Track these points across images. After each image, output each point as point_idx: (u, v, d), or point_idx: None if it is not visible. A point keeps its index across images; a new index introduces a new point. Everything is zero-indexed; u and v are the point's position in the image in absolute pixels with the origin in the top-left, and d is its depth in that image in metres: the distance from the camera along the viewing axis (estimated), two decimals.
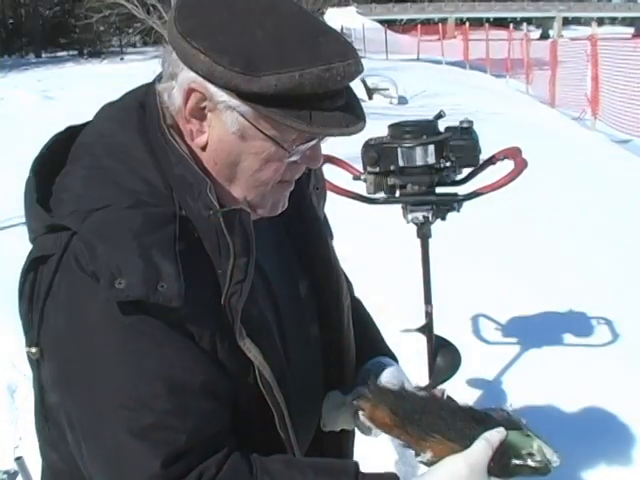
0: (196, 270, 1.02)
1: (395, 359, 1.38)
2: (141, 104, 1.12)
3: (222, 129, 1.04)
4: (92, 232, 0.99)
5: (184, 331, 1.02)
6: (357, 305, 1.44)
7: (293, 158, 1.07)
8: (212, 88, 1.01)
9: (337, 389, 1.31)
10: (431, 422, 1.10)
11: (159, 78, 1.10)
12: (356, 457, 1.41)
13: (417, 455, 1.12)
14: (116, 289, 0.96)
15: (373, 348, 1.39)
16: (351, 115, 1.03)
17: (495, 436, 1.07)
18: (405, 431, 1.12)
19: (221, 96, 1.01)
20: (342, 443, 1.37)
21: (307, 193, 1.29)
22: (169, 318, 1.00)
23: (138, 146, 1.08)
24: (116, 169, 1.06)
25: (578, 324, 4.03)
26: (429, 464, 1.09)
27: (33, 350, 1.05)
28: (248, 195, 1.10)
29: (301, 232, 1.27)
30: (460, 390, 3.02)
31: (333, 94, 1.01)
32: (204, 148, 1.07)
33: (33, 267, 1.05)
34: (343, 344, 1.32)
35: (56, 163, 1.11)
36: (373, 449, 2.38)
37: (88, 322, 1.00)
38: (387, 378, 1.28)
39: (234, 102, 1.01)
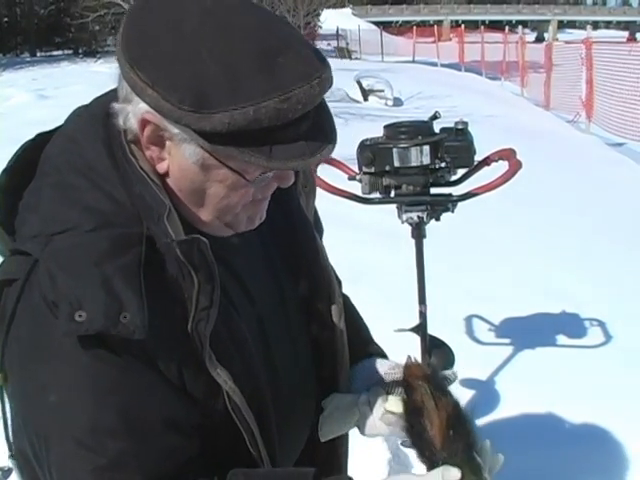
0: (162, 295, 0.98)
1: (386, 357, 1.35)
2: (107, 113, 1.03)
3: (182, 159, 0.98)
4: (53, 260, 0.95)
5: (147, 362, 0.97)
6: (345, 301, 1.38)
7: (258, 185, 1.01)
8: (165, 121, 0.94)
9: (333, 392, 1.27)
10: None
11: (116, 94, 1.02)
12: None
13: (428, 455, 1.10)
14: (76, 322, 0.91)
15: (363, 348, 1.36)
16: (316, 141, 0.95)
17: (452, 476, 1.05)
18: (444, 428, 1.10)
19: (175, 128, 0.94)
20: (337, 448, 1.33)
21: (295, 195, 1.23)
22: (132, 350, 0.95)
23: (103, 161, 1.01)
24: (81, 186, 1.00)
25: (572, 325, 4.04)
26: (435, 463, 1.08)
27: None
28: (222, 219, 1.05)
29: (288, 236, 1.23)
30: (453, 390, 3.03)
31: (296, 121, 0.92)
32: (166, 175, 1.01)
33: (0, 288, 1.00)
34: (337, 346, 1.27)
35: (24, 175, 1.05)
36: (366, 450, 2.39)
37: (47, 356, 0.96)
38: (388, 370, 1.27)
39: (189, 134, 0.94)
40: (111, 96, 1.04)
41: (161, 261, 0.99)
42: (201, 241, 0.98)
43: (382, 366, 1.28)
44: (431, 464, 1.08)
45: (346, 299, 1.41)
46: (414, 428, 1.12)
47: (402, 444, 1.21)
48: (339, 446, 1.34)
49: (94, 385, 0.95)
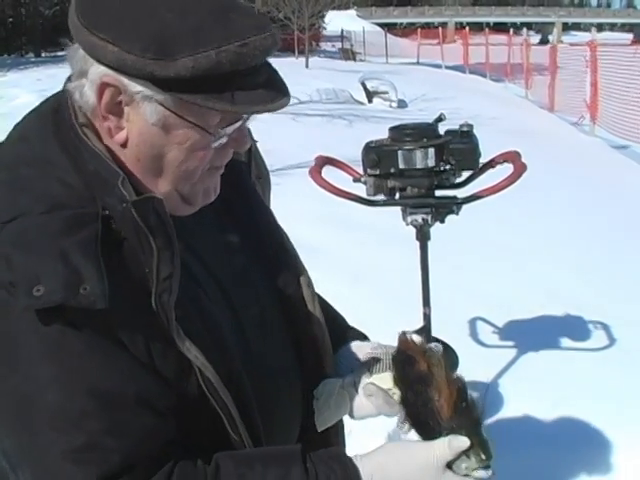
0: (122, 272, 0.97)
1: (367, 339, 1.34)
2: (55, 108, 1.06)
3: (141, 122, 0.99)
4: (6, 243, 0.94)
5: (113, 338, 0.96)
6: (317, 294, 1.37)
7: (219, 142, 1.03)
8: (125, 80, 0.96)
9: (320, 378, 1.25)
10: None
11: (69, 78, 1.06)
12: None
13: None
14: (34, 297, 0.90)
15: (343, 333, 1.34)
16: (274, 91, 0.99)
17: (460, 444, 1.05)
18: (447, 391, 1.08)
19: (136, 87, 0.96)
20: (331, 437, 1.30)
21: (250, 181, 1.27)
22: (95, 324, 0.94)
23: (55, 151, 1.02)
24: (33, 176, 1.01)
25: (576, 328, 4.04)
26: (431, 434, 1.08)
27: None
28: (178, 187, 1.05)
29: (248, 219, 1.24)
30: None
31: (253, 71, 0.97)
32: (125, 145, 1.02)
33: None
34: (315, 331, 1.25)
35: None
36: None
37: (7, 337, 0.94)
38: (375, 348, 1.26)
39: (151, 90, 0.96)
40: (58, 95, 1.08)
41: (119, 239, 0.98)
42: (156, 199, 0.99)
43: (365, 347, 1.28)
44: (432, 435, 1.07)
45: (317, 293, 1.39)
46: (418, 397, 1.11)
47: (399, 426, 1.18)
48: (334, 435, 1.31)
49: (59, 363, 0.93)
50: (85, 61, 0.99)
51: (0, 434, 0.97)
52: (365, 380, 1.21)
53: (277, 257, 1.25)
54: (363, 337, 1.35)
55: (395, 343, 1.21)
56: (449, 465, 1.05)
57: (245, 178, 1.25)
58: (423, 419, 1.09)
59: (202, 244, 1.14)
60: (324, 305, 1.35)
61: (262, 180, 1.31)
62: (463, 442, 1.04)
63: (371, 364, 1.23)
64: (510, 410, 3.26)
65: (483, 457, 1.05)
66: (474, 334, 4.03)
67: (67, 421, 0.93)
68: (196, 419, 1.03)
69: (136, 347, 0.98)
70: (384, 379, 1.19)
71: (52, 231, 0.94)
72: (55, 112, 1.06)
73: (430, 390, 1.09)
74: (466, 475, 1.05)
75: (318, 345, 1.26)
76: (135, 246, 0.99)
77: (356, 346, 1.29)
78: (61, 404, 0.93)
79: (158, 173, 1.04)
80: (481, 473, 1.05)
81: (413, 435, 1.13)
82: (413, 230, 2.76)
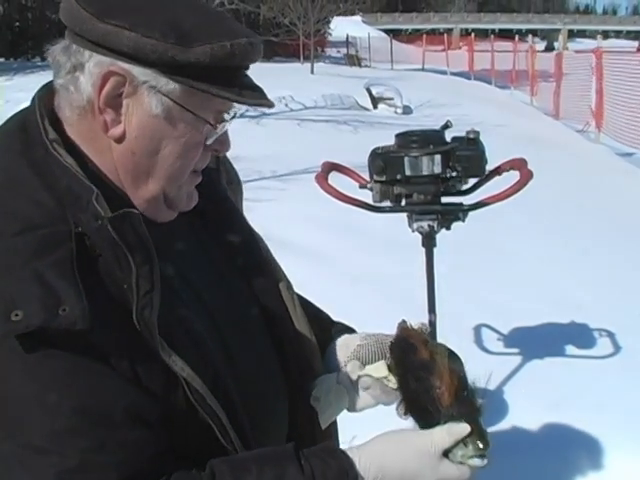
0: (100, 290, 0.96)
1: (354, 331, 1.34)
2: (21, 127, 1.05)
3: (143, 113, 1.01)
4: None
5: (96, 357, 0.94)
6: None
7: (213, 138, 1.07)
8: (135, 68, 0.98)
9: (310, 377, 1.25)
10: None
11: (42, 88, 1.07)
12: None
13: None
14: (12, 322, 0.88)
15: (329, 329, 1.35)
16: (259, 91, 1.06)
17: (460, 431, 1.05)
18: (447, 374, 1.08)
19: (144, 76, 0.98)
20: (320, 433, 1.28)
21: (223, 186, 1.30)
22: (77, 345, 0.92)
23: (23, 169, 1.00)
24: (3, 196, 0.99)
25: (581, 336, 4.03)
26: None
27: None
28: (167, 187, 1.06)
29: (221, 224, 1.25)
30: None
31: (246, 68, 1.05)
32: (120, 139, 1.02)
33: None
34: (298, 331, 1.26)
35: None
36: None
37: None
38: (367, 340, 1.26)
39: (159, 81, 0.99)
40: (22, 112, 1.07)
41: (94, 257, 0.97)
42: (132, 214, 0.98)
43: (354, 339, 1.29)
44: (431, 421, 1.07)
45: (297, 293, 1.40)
46: (419, 384, 1.10)
47: (397, 412, 1.17)
48: (325, 430, 1.29)
49: (44, 384, 0.91)
50: (82, 54, 0.99)
51: None
52: (359, 372, 1.22)
53: (254, 263, 1.26)
54: (350, 330, 1.35)
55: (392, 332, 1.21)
56: (445, 453, 1.05)
57: (216, 184, 1.28)
58: (423, 405, 1.09)
59: (177, 253, 1.13)
60: (305, 304, 1.35)
61: (233, 186, 1.37)
62: (463, 428, 1.05)
63: (363, 355, 1.24)
64: (513, 417, 3.26)
65: (480, 445, 1.05)
66: (479, 341, 4.03)
67: (57, 443, 0.90)
68: (186, 430, 1.02)
69: (120, 364, 0.96)
70: (379, 368, 1.20)
71: (25, 253, 0.93)
72: (21, 131, 1.05)
73: (431, 377, 1.09)
74: (461, 463, 1.05)
75: (304, 345, 1.26)
76: (112, 262, 0.97)
77: (345, 339, 1.30)
78: (49, 426, 0.91)
79: (150, 170, 1.04)
80: (476, 461, 1.05)
81: (411, 420, 1.13)
82: (419, 237, 2.76)
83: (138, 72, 0.98)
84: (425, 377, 1.10)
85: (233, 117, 1.09)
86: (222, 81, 1.00)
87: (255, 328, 1.22)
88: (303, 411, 1.24)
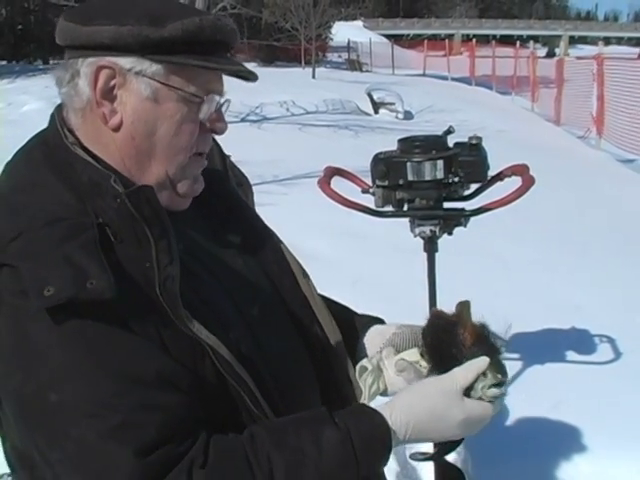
0: (124, 269, 1.03)
1: (382, 320, 1.41)
2: (41, 141, 1.16)
3: (135, 99, 1.10)
4: (13, 257, 1.00)
5: (125, 326, 1.01)
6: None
7: (205, 113, 1.13)
8: (120, 59, 1.08)
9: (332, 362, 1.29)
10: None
11: (59, 106, 1.17)
12: None
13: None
14: (45, 297, 0.95)
15: (360, 320, 1.41)
16: (240, 65, 1.15)
17: (480, 364, 1.11)
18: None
19: (130, 63, 1.08)
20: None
21: (231, 186, 1.35)
22: (106, 315, 0.99)
23: (46, 176, 1.10)
24: (27, 201, 1.07)
25: (582, 342, 4.04)
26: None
27: None
28: (169, 169, 1.13)
29: (235, 220, 1.31)
30: None
31: (225, 50, 1.13)
32: (118, 128, 1.11)
33: None
34: (316, 311, 1.31)
35: None
36: None
37: (26, 340, 0.98)
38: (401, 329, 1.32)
39: (143, 65, 1.08)
40: (42, 131, 1.18)
41: (116, 243, 1.04)
42: (147, 187, 1.06)
43: (390, 328, 1.34)
44: (454, 365, 1.12)
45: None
46: (446, 335, 1.16)
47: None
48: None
49: (79, 352, 0.98)
50: (76, 62, 1.10)
51: (33, 432, 1.00)
52: (394, 357, 1.25)
53: (273, 258, 1.31)
54: (379, 320, 1.42)
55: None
56: (468, 392, 1.10)
57: (224, 183, 1.35)
58: (449, 354, 1.14)
59: (192, 241, 1.20)
60: (331, 302, 1.42)
61: (243, 187, 1.43)
62: (483, 361, 1.10)
63: (398, 343, 1.29)
64: (513, 420, 3.26)
65: (499, 376, 1.10)
66: None
67: (99, 405, 0.97)
68: (218, 400, 1.07)
69: (148, 335, 1.02)
70: (412, 354, 1.24)
71: (54, 239, 1.00)
72: (41, 144, 1.15)
73: (457, 328, 1.16)
74: (480, 398, 1.10)
75: (325, 330, 1.30)
76: (132, 244, 1.04)
77: (380, 328, 1.37)
78: (88, 390, 0.97)
79: (151, 153, 1.12)
80: (494, 391, 1.10)
81: None
82: (421, 242, 2.77)
83: (123, 62, 1.08)
84: (451, 330, 1.16)
85: (223, 103, 1.17)
86: (199, 52, 1.09)
87: (277, 315, 1.27)
88: (334, 392, 1.28)
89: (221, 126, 1.18)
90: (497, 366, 1.11)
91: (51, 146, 1.13)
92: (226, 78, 1.17)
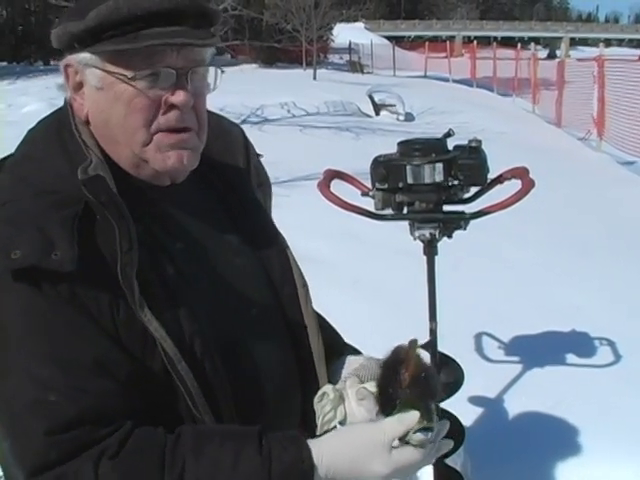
0: (95, 248, 1.08)
1: (360, 353, 1.40)
2: (56, 118, 1.23)
3: (90, 90, 1.16)
4: None
5: (79, 305, 1.06)
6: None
7: (147, 88, 1.12)
8: (73, 56, 1.15)
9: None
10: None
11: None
12: None
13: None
14: (11, 259, 1.02)
15: (340, 348, 1.40)
16: (182, 37, 1.11)
17: (411, 418, 1.09)
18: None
19: (78, 58, 1.14)
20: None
21: (250, 186, 1.37)
22: (63, 289, 1.04)
23: (55, 149, 1.17)
24: (32, 169, 1.15)
25: (582, 344, 4.03)
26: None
27: None
28: (134, 148, 1.15)
29: (246, 220, 1.31)
30: (462, 408, 3.02)
31: (164, 18, 1.10)
32: (88, 119, 1.18)
33: None
34: (307, 321, 1.32)
35: None
36: None
37: None
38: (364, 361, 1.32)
39: (85, 57, 1.13)
40: (60, 107, 1.25)
41: (96, 222, 1.09)
42: (100, 177, 1.10)
43: (358, 359, 1.34)
44: (391, 404, 1.11)
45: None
46: (390, 374, 1.15)
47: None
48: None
49: (27, 325, 1.04)
50: (64, 62, 1.18)
51: None
52: (357, 387, 1.25)
53: (278, 262, 1.32)
54: (357, 352, 1.41)
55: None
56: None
57: (244, 181, 1.36)
58: (388, 392, 1.14)
59: (198, 239, 1.22)
60: (322, 321, 1.41)
61: (263, 187, 1.41)
62: (413, 415, 1.08)
63: (363, 373, 1.29)
64: (513, 421, 3.26)
65: (424, 422, 1.08)
66: (479, 349, 4.03)
67: (29, 378, 1.02)
68: (163, 393, 1.09)
69: (102, 317, 1.07)
70: (373, 386, 1.23)
71: (36, 210, 1.07)
72: (56, 120, 1.22)
73: (400, 367, 1.14)
74: (408, 442, 1.09)
75: (311, 350, 1.31)
76: (106, 225, 1.09)
77: (351, 358, 1.36)
78: (24, 362, 1.03)
79: (114, 137, 1.16)
80: (419, 436, 1.08)
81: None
82: (420, 245, 2.76)
83: (75, 58, 1.15)
84: (396, 368, 1.15)
85: (189, 73, 1.14)
86: (117, 34, 1.10)
87: (272, 322, 1.27)
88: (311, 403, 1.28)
89: (176, 98, 1.14)
90: (426, 411, 1.09)
91: (63, 125, 1.20)
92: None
